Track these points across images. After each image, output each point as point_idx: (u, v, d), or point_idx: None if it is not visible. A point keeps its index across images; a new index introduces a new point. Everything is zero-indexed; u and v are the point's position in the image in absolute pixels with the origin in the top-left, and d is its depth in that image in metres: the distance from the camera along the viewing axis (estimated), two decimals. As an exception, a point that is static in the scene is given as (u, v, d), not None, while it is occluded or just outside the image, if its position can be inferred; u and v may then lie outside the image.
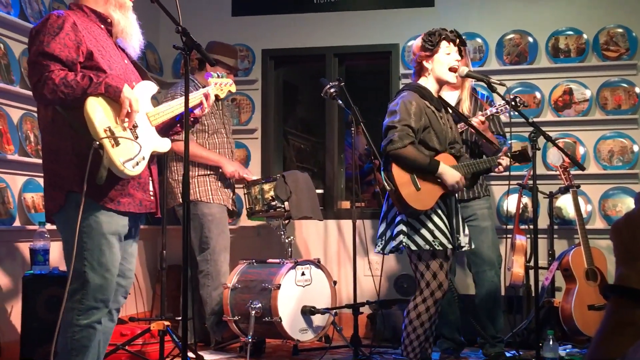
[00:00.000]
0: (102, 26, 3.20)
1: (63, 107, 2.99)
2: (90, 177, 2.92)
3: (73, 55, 2.99)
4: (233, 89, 3.74)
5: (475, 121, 4.43)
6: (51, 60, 2.95)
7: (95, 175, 2.91)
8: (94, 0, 3.18)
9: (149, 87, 3.28)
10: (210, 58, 3.22)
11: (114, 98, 2.98)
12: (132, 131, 3.06)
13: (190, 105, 3.32)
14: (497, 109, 4.57)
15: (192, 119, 3.43)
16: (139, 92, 3.17)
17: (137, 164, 3.03)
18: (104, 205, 3.03)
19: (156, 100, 3.58)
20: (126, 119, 3.02)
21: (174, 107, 3.29)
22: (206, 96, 3.41)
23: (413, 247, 3.76)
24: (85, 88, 2.92)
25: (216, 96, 3.54)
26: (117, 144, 2.95)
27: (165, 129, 3.35)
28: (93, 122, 2.92)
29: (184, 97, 3.15)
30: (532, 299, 4.99)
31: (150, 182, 3.23)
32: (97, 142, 2.91)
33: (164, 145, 3.25)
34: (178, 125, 3.41)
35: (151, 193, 3.22)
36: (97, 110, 2.94)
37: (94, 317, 3.06)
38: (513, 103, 4.16)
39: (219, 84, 3.61)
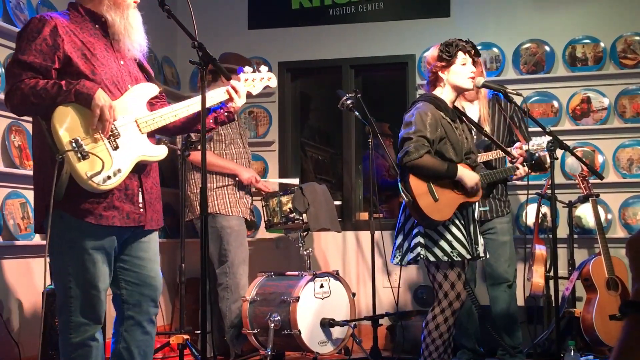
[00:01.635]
0: (97, 26, 3.06)
1: (41, 117, 2.87)
2: (65, 191, 2.82)
3: (48, 62, 2.87)
4: (272, 83, 3.49)
5: (516, 152, 4.39)
6: (23, 68, 2.86)
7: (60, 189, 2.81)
8: (89, 0, 3.05)
9: (146, 90, 3.11)
10: (226, 72, 3.07)
11: (85, 106, 2.83)
12: (110, 140, 2.90)
13: (210, 104, 3.17)
14: (535, 149, 4.48)
15: (225, 113, 3.32)
16: (133, 96, 3.03)
17: (109, 177, 2.86)
18: (83, 219, 2.88)
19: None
20: (100, 129, 2.86)
21: (178, 109, 3.11)
22: (234, 89, 3.25)
23: (431, 259, 3.75)
24: (54, 97, 2.81)
25: (248, 93, 3.37)
26: (85, 156, 2.81)
27: (190, 123, 3.21)
28: (58, 133, 2.79)
29: (198, 96, 3.06)
30: (552, 309, 4.94)
31: (141, 193, 3.05)
32: (60, 156, 2.78)
33: (156, 152, 3.05)
34: (212, 120, 3.29)
35: (140, 205, 3.04)
36: (65, 121, 2.81)
37: (86, 334, 2.94)
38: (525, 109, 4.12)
39: (250, 80, 3.41)
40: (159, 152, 3.07)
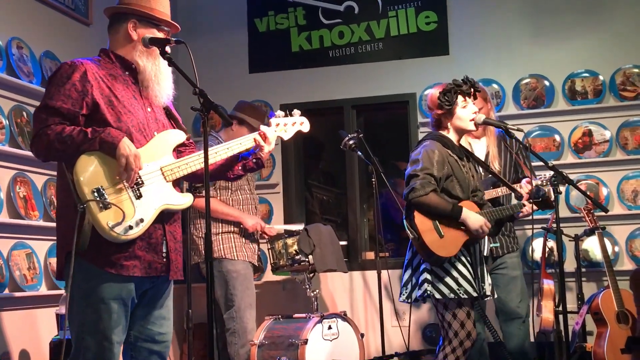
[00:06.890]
0: (127, 72, 3.09)
1: (66, 164, 2.86)
2: (85, 240, 2.79)
3: (76, 107, 2.88)
4: (305, 128, 3.44)
5: (524, 190, 4.40)
6: (51, 114, 2.86)
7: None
8: (122, 47, 3.08)
9: (172, 137, 3.10)
10: (227, 118, 3.09)
11: (110, 154, 2.84)
12: (134, 189, 2.89)
13: (238, 150, 3.19)
14: (541, 181, 4.51)
15: (254, 160, 3.28)
16: (158, 143, 3.02)
17: (131, 227, 2.84)
18: (103, 269, 2.85)
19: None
20: (125, 178, 2.85)
21: (198, 159, 3.06)
22: (262, 136, 3.24)
23: (438, 296, 3.73)
24: (79, 144, 2.81)
25: (280, 138, 3.37)
26: (106, 206, 2.80)
27: (219, 170, 3.24)
28: (80, 182, 2.79)
29: (223, 144, 3.11)
30: (563, 344, 4.91)
31: (165, 242, 3.01)
32: (82, 206, 2.77)
33: (181, 201, 3.03)
34: (240, 167, 3.28)
35: (164, 254, 3.00)
36: (88, 170, 2.82)
37: None
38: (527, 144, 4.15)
39: (282, 124, 3.36)
40: (184, 200, 3.05)
